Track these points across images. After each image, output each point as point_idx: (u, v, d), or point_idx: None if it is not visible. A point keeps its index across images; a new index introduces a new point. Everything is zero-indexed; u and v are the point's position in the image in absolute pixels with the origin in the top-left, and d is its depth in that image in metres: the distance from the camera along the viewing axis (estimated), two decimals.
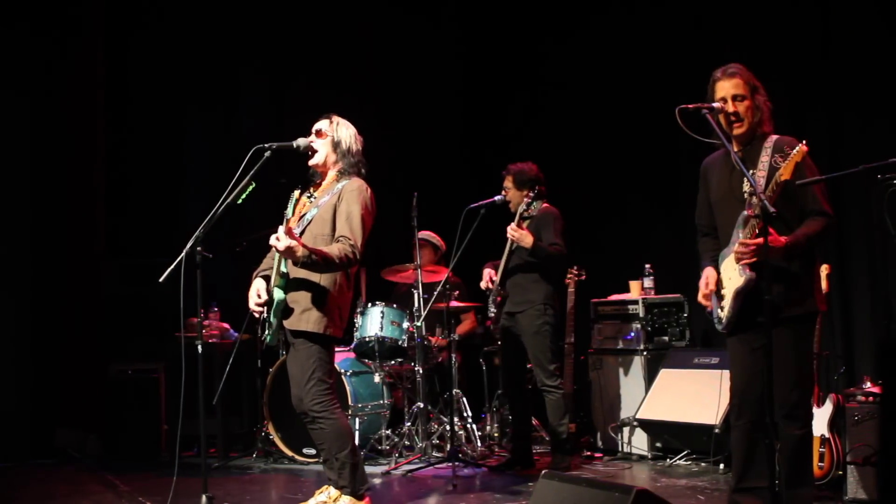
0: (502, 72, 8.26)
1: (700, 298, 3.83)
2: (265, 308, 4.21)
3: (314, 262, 4.07)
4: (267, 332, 4.26)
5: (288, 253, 4.00)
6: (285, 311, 4.19)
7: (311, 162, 4.39)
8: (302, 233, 4.19)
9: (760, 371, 3.58)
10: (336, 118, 4.44)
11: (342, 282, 4.26)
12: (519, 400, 5.76)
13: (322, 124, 4.43)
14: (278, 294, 4.18)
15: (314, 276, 4.20)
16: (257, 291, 4.24)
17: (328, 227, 4.25)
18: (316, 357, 4.18)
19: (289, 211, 4.38)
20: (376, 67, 8.06)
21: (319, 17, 7.86)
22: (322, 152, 4.38)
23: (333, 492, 4.23)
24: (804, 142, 3.44)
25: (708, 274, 3.80)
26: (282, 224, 4.12)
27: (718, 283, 3.76)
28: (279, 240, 3.95)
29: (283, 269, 4.18)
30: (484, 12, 8.36)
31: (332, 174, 4.40)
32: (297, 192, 4.48)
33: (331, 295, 4.21)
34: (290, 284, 4.19)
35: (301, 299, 4.19)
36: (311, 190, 4.45)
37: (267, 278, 4.28)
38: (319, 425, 4.19)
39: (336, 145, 4.38)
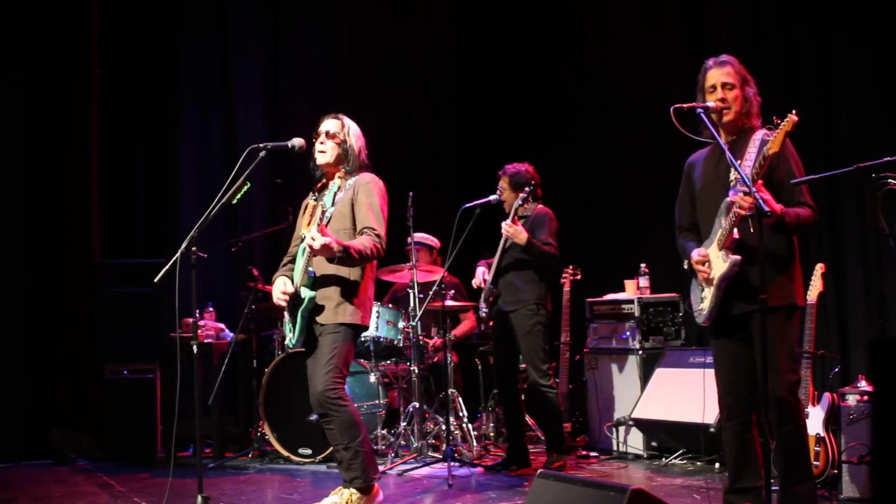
0: (499, 71, 8.26)
1: (698, 269, 3.67)
2: (288, 306, 4.24)
3: (349, 257, 4.11)
4: (290, 334, 4.31)
5: (324, 251, 4.04)
6: (315, 309, 4.22)
7: (320, 161, 4.42)
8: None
9: (747, 370, 3.59)
10: (346, 120, 4.46)
11: (368, 274, 4.34)
12: (511, 399, 5.75)
13: (333, 126, 4.43)
14: (307, 293, 4.21)
15: (343, 271, 4.25)
16: (284, 283, 4.28)
17: (348, 220, 4.30)
18: (340, 345, 4.21)
19: (325, 202, 4.33)
20: (373, 68, 8.05)
21: (318, 15, 7.86)
22: (331, 154, 4.40)
23: (346, 493, 4.23)
24: (794, 111, 3.39)
25: (700, 251, 3.68)
26: (304, 224, 4.11)
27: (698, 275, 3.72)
28: (315, 239, 3.99)
29: (309, 269, 4.22)
30: (480, 11, 8.36)
31: (338, 173, 4.42)
32: (309, 200, 4.48)
33: (360, 287, 4.28)
34: (318, 282, 4.24)
35: (333, 294, 4.25)
36: (317, 190, 4.46)
37: (289, 278, 4.31)
38: (332, 415, 4.19)
39: (347, 149, 4.40)
